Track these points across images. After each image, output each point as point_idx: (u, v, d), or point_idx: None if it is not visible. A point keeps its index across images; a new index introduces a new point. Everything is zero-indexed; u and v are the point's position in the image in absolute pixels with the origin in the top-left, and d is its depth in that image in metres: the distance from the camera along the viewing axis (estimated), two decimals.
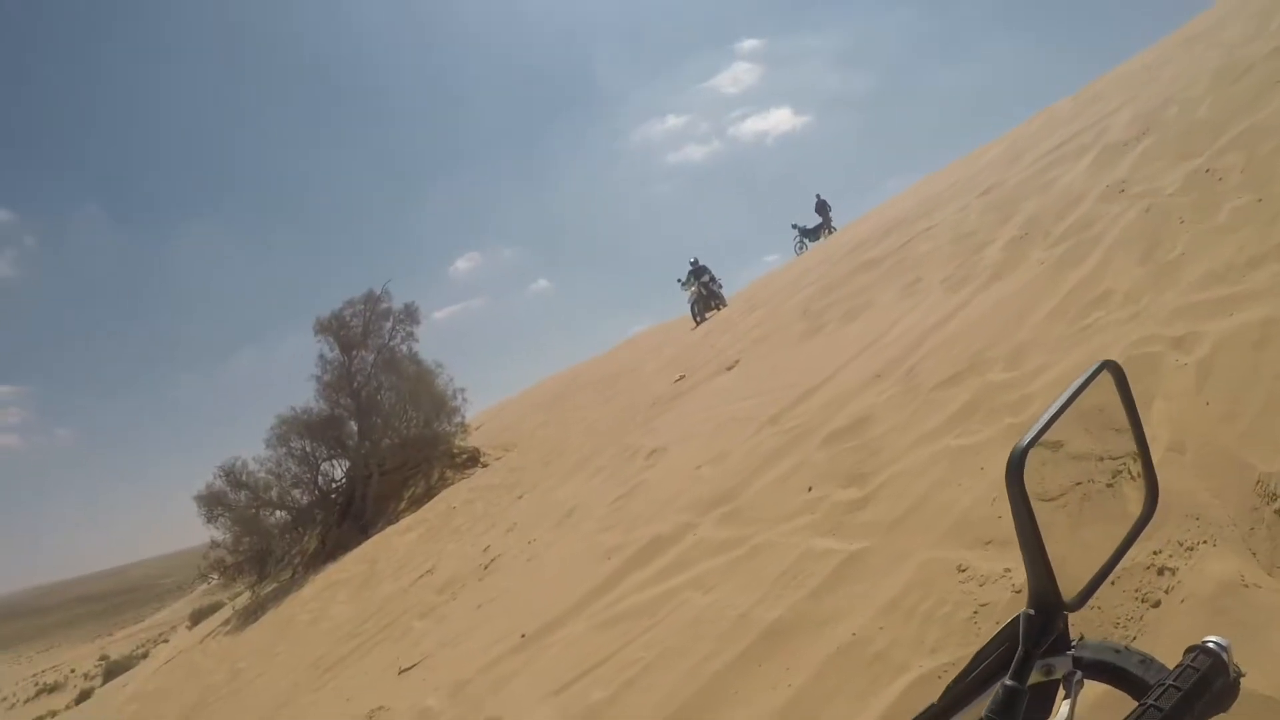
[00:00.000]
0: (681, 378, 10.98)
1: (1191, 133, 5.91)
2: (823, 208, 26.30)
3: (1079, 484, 0.91)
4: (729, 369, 9.43)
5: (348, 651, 7.77)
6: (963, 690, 0.88)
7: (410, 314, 22.46)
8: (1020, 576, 2.59)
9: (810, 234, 25.45)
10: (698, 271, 21.05)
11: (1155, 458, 2.56)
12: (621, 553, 5.05)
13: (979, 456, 3.51)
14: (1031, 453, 0.79)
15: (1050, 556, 0.78)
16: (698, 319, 20.10)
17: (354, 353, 21.44)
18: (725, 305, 20.18)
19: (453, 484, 18.01)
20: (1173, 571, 2.31)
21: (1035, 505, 0.78)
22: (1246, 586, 2.16)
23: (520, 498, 10.36)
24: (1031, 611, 0.80)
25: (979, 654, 0.89)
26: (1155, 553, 2.39)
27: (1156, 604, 2.26)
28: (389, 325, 22.09)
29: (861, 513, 3.66)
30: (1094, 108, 9.54)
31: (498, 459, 18.08)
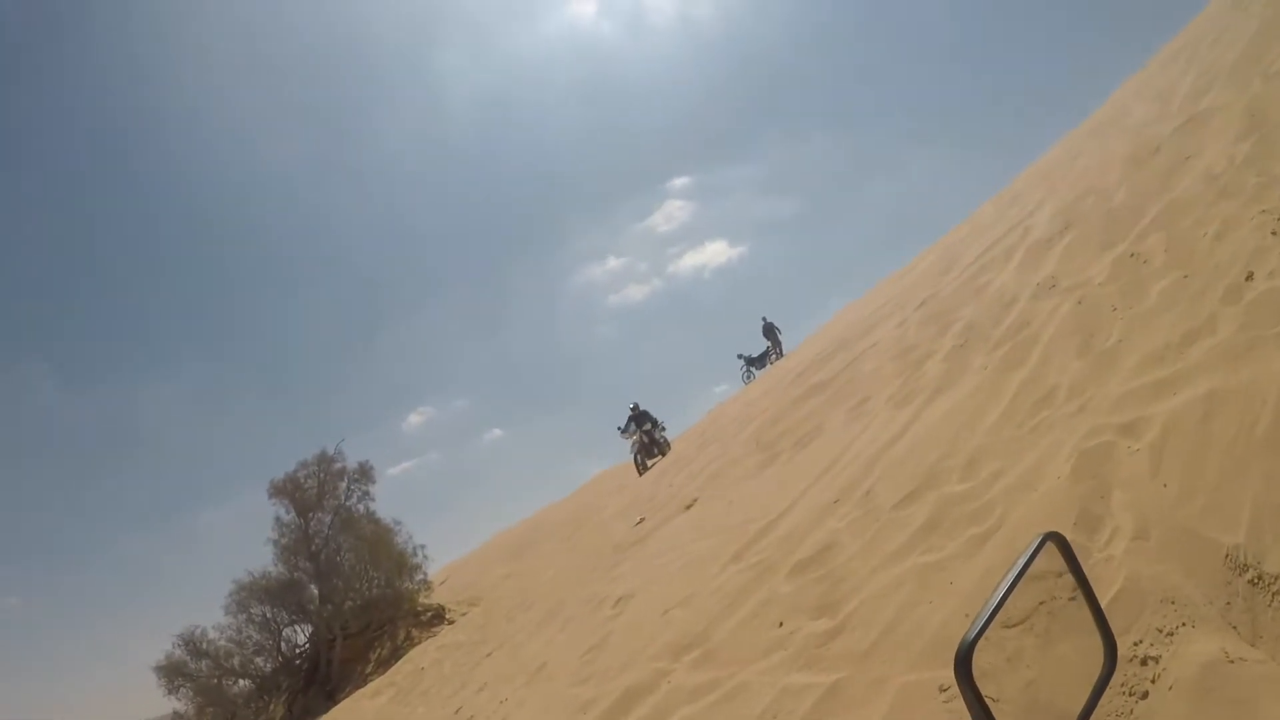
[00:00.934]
0: (641, 520, 10.86)
1: (1112, 220, 6.10)
2: (770, 331, 26.40)
3: (1031, 625, 0.90)
4: (688, 508, 9.36)
5: None
6: None
7: (365, 473, 22.11)
8: None
9: (756, 362, 25.63)
10: (639, 418, 20.16)
11: (1120, 548, 2.56)
12: (597, 706, 4.87)
13: (946, 572, 3.49)
14: (981, 642, 0.78)
15: None
16: (640, 468, 19.39)
17: (310, 515, 20.98)
18: (669, 451, 19.54)
19: (419, 643, 17.49)
20: (1156, 660, 2.29)
21: (993, 686, 0.76)
22: (1232, 662, 2.15)
23: (489, 655, 10.03)
24: None
25: None
26: (1136, 644, 2.37)
27: (1144, 695, 2.23)
28: (344, 485, 21.71)
29: (834, 643, 3.59)
30: (1015, 208, 9.84)
31: (464, 614, 17.60)
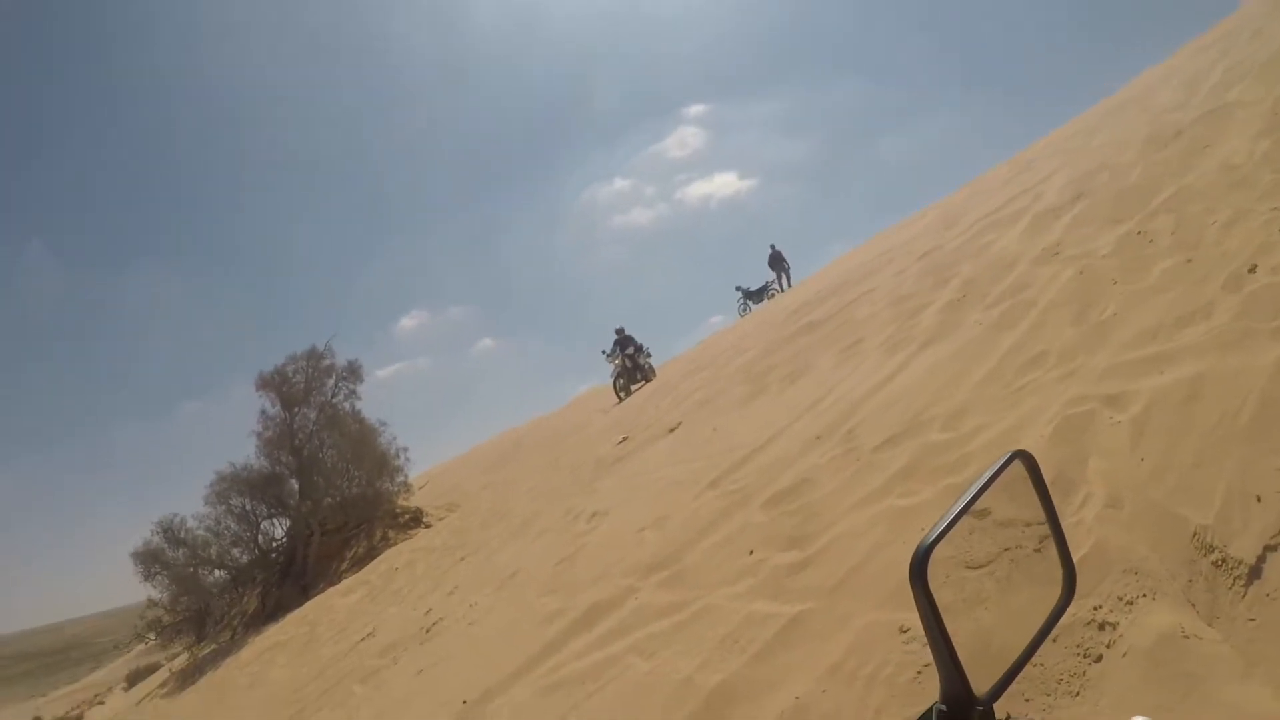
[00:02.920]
0: (625, 440, 10.93)
1: (1123, 197, 6.10)
2: (777, 260, 26.07)
3: (993, 571, 0.91)
4: (671, 431, 9.42)
5: (286, 718, 7.51)
6: None
7: (353, 371, 22.12)
8: None
9: (754, 296, 25.46)
10: (623, 342, 19.70)
11: (1091, 514, 2.60)
12: (564, 617, 4.97)
13: (919, 517, 3.54)
14: (937, 549, 0.79)
15: (961, 652, 0.77)
16: (620, 393, 19.24)
17: (296, 409, 20.98)
18: (653, 377, 19.39)
19: (395, 544, 17.69)
20: (1113, 626, 2.34)
21: (944, 600, 0.77)
22: (1187, 638, 2.19)
23: (463, 560, 10.17)
24: (944, 707, 0.78)
25: None
26: (1096, 608, 2.41)
27: (1098, 659, 2.27)
28: (332, 382, 21.72)
29: (802, 575, 3.65)
30: (1027, 174, 9.80)
31: (441, 519, 17.78)
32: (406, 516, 19.78)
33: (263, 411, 21.08)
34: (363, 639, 9.17)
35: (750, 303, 25.37)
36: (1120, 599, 2.41)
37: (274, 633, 14.65)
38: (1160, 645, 2.20)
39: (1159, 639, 2.22)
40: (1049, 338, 4.65)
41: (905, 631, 2.82)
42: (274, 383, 21.07)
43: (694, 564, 4.57)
